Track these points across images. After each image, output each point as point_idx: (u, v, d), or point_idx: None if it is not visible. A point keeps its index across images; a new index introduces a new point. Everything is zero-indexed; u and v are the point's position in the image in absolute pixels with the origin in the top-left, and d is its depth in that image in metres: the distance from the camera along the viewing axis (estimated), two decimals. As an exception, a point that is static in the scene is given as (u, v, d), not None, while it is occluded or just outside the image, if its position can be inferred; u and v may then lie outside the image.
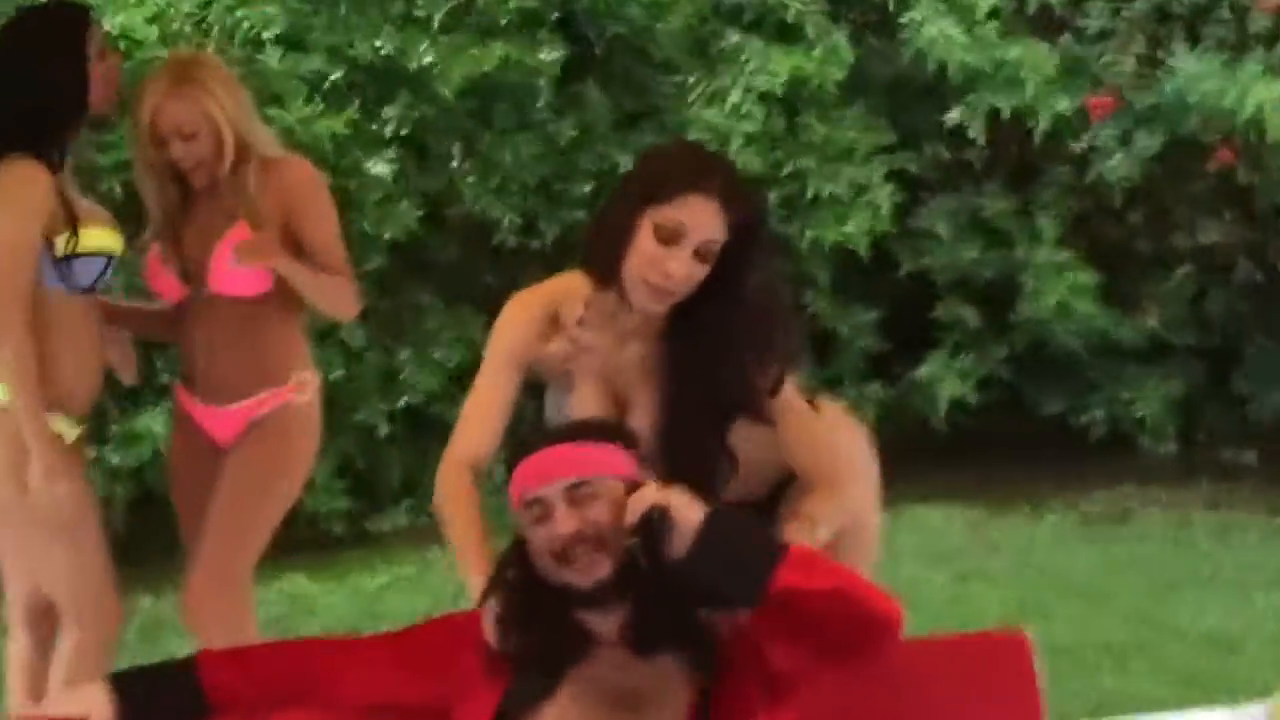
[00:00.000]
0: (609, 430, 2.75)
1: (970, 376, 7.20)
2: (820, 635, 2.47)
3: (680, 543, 2.45)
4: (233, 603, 3.75)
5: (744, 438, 3.00)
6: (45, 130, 3.55)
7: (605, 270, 2.91)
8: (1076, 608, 5.74)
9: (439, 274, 6.84)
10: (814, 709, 2.54)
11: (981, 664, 2.86)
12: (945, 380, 7.16)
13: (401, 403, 6.50)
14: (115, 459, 6.04)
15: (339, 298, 3.83)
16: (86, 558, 3.65)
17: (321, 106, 6.23)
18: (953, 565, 6.24)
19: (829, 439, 3.11)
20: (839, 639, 2.47)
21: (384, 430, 6.46)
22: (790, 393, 2.96)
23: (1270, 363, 7.50)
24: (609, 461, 2.58)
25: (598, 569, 2.47)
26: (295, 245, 3.72)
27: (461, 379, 6.37)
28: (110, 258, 3.64)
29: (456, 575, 3.07)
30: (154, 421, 6.00)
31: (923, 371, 7.15)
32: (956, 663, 2.84)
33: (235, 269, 3.65)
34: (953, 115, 7.10)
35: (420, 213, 6.49)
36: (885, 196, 6.99)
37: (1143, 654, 5.29)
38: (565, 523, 2.46)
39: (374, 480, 6.63)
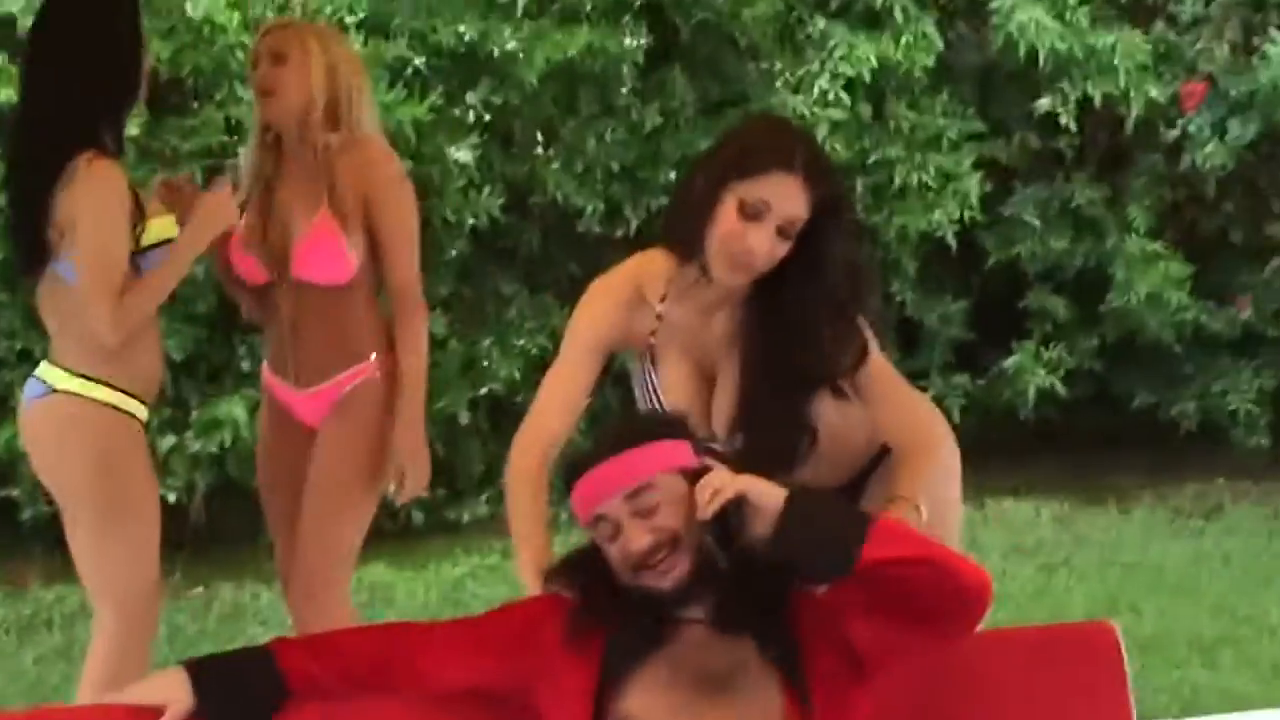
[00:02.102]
0: (653, 425, 2.67)
1: (1059, 368, 6.87)
2: (909, 606, 2.40)
3: (763, 525, 2.39)
4: (339, 589, 3.70)
5: (830, 418, 2.91)
6: (109, 119, 3.48)
7: (687, 245, 2.83)
8: (1164, 602, 5.54)
9: (521, 262, 6.59)
10: (897, 696, 2.48)
11: (1067, 656, 2.81)
12: (1033, 372, 6.84)
13: (483, 391, 6.20)
14: (196, 446, 5.88)
15: (421, 334, 3.79)
16: (142, 548, 3.57)
17: (404, 93, 5.97)
18: (1039, 558, 5.97)
19: (916, 405, 3.07)
20: (929, 609, 2.38)
21: (465, 419, 6.14)
22: (878, 362, 2.90)
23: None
24: (662, 457, 2.47)
25: (677, 570, 2.41)
26: (369, 231, 3.59)
27: (543, 368, 6.48)
28: (168, 241, 3.61)
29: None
30: (235, 407, 5.88)
31: (1010, 363, 6.81)
32: (1042, 654, 2.80)
33: (318, 255, 3.57)
34: (1043, 103, 6.77)
35: (502, 200, 6.21)
36: (974, 185, 6.68)
37: (1232, 649, 5.14)
38: (636, 538, 2.39)
39: (455, 469, 6.28)
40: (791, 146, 2.82)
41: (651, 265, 2.94)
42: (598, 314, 2.96)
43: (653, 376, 3.00)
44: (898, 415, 2.93)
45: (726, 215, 2.73)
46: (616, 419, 3.30)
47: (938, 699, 2.57)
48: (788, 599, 2.46)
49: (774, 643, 2.43)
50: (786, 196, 2.74)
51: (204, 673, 2.54)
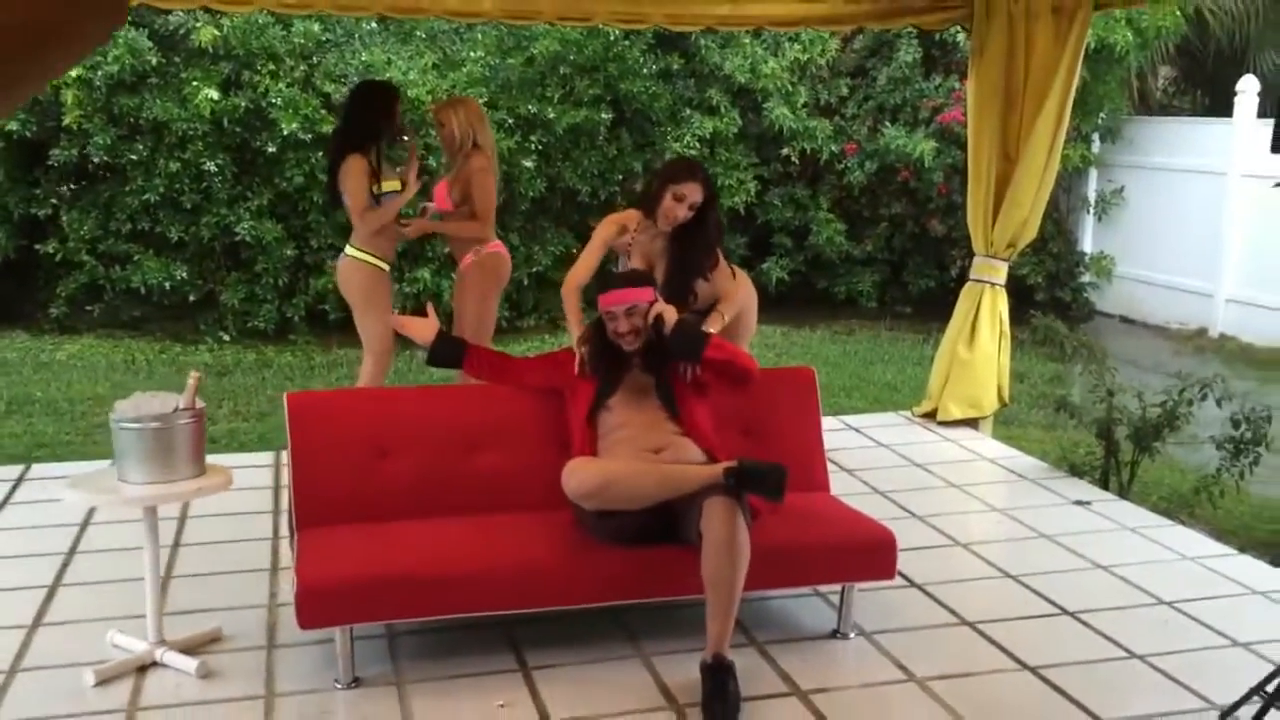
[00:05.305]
0: (643, 277, 3.62)
1: (786, 269, 10.25)
2: (722, 372, 3.55)
3: (668, 330, 3.44)
4: (488, 344, 4.83)
5: (701, 285, 4.14)
6: (367, 143, 4.91)
7: (648, 210, 4.09)
8: (829, 371, 8.21)
9: (552, 213, 9.61)
10: (720, 407, 3.68)
11: (792, 381, 4.05)
12: (775, 269, 10.20)
13: (535, 269, 9.31)
14: (405, 288, 8.68)
15: (472, 233, 5.02)
16: (382, 322, 4.95)
17: (505, 135, 8.87)
18: (778, 350, 8.78)
19: (731, 278, 4.27)
20: (731, 374, 3.56)
21: (527, 281, 9.19)
22: (722, 263, 4.20)
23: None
24: (643, 294, 3.48)
25: (635, 342, 3.48)
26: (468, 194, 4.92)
27: (560, 260, 9.13)
28: (395, 193, 5.02)
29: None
30: (426, 271, 8.82)
31: (767, 266, 10.15)
32: (782, 380, 4.02)
33: (445, 197, 5.06)
34: (785, 150, 10.07)
35: (545, 184, 9.26)
36: (752, 186, 9.96)
37: (857, 391, 7.71)
38: (623, 325, 3.46)
39: (522, 304, 9.37)
40: (696, 169, 4.04)
41: (630, 215, 4.18)
42: (605, 230, 4.17)
43: (625, 263, 4.19)
44: (724, 284, 4.16)
45: (666, 199, 3.94)
46: (625, 271, 3.85)
47: (735, 407, 3.77)
48: (672, 364, 3.49)
49: (660, 378, 3.51)
50: (694, 191, 3.93)
51: (439, 334, 3.68)
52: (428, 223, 5.18)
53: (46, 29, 0.88)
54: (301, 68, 9.05)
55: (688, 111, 9.84)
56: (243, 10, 6.93)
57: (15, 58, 0.87)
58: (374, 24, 9.40)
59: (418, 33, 9.48)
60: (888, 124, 10.20)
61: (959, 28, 8.61)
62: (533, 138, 9.35)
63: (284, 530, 4.40)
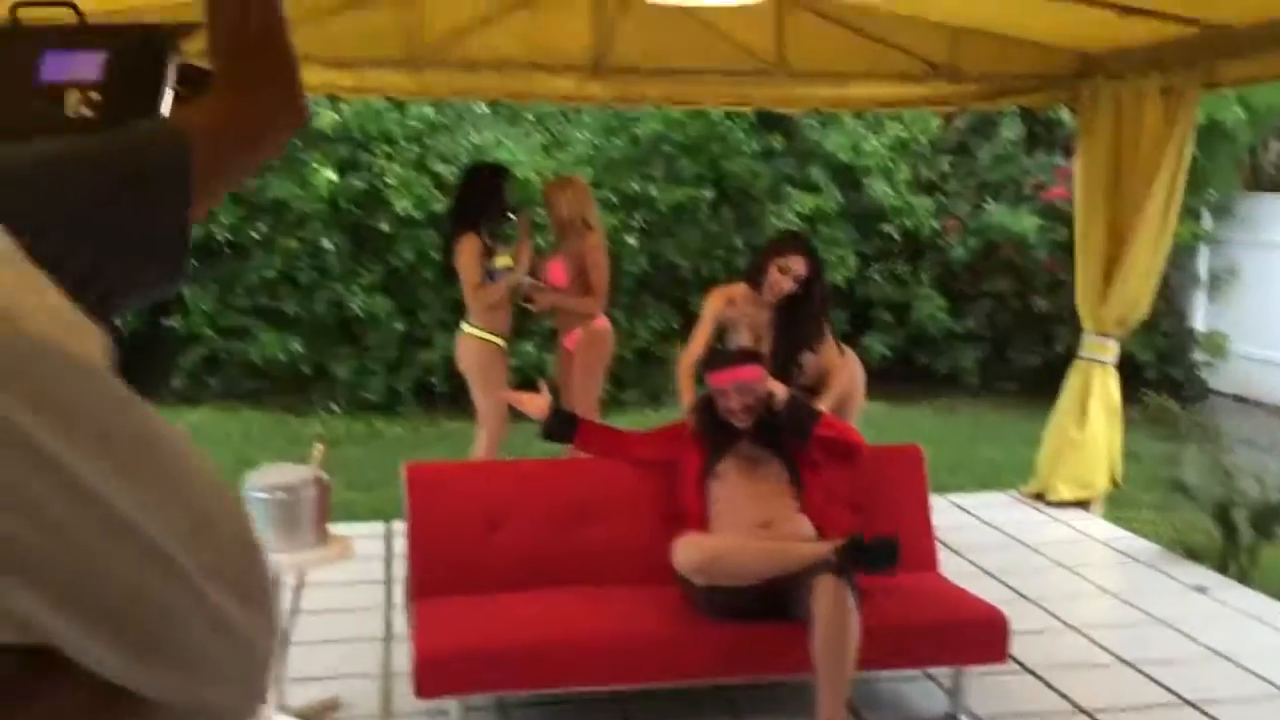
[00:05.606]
0: (755, 355, 3.78)
1: (889, 345, 10.09)
2: (832, 449, 3.66)
3: (777, 406, 3.63)
4: (596, 418, 4.99)
5: (808, 358, 4.31)
6: (480, 222, 5.10)
7: (755, 282, 4.29)
8: (932, 448, 6.45)
9: (654, 288, 9.63)
10: (833, 480, 3.77)
11: (899, 460, 4.15)
12: (879, 344, 10.04)
13: (639, 345, 9.35)
14: (514, 361, 7.96)
15: (589, 309, 5.25)
16: (493, 396, 5.00)
17: (609, 212, 8.84)
18: (879, 426, 8.45)
19: (835, 356, 4.49)
20: (840, 451, 3.68)
21: (629, 356, 9.06)
22: (829, 337, 4.42)
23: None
24: (755, 372, 3.61)
25: (746, 420, 3.60)
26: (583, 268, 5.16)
27: (663, 333, 9.29)
28: (509, 269, 5.18)
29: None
30: (530, 345, 8.77)
31: (867, 341, 9.92)
32: (891, 458, 4.10)
33: (560, 273, 5.26)
34: (886, 228, 10.04)
35: (648, 260, 9.29)
36: (853, 262, 9.92)
37: (961, 469, 7.38)
38: (735, 401, 3.58)
39: (626, 381, 9.25)
40: (801, 243, 4.36)
41: (738, 288, 4.42)
42: (714, 304, 4.42)
43: (735, 337, 4.40)
44: (831, 358, 4.38)
45: (772, 271, 4.17)
46: (734, 350, 3.94)
47: (843, 483, 3.81)
48: (784, 438, 3.58)
49: (778, 450, 3.61)
50: (799, 264, 4.14)
51: (555, 409, 3.86)
52: (552, 297, 5.28)
53: (253, 136, 0.99)
54: (415, 149, 9.32)
55: (789, 189, 9.89)
56: (362, 96, 7.17)
57: (225, 165, 0.97)
58: (484, 107, 9.66)
59: (526, 115, 9.73)
60: (990, 200, 10.13)
61: (1063, 105, 8.56)
62: (636, 215, 9.46)
63: (396, 600, 4.43)
